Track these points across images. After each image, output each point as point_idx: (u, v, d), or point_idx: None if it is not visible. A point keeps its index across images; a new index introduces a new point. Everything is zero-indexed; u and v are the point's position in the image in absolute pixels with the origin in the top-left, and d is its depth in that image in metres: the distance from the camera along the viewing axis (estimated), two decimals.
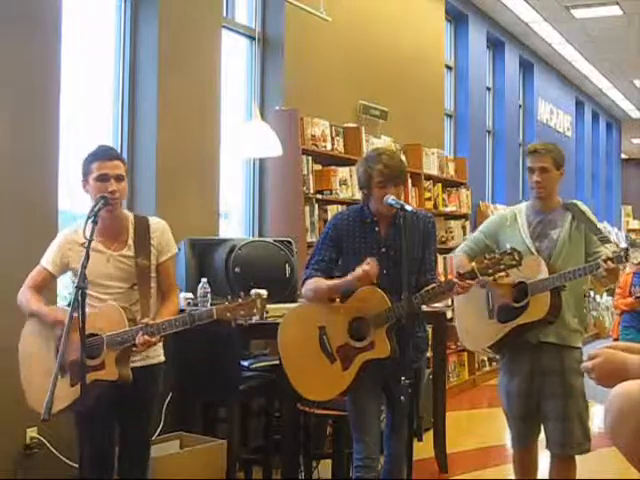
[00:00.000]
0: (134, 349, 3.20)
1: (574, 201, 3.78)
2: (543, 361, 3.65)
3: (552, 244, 3.66)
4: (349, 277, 3.39)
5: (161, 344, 3.39)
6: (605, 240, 3.62)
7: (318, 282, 3.51)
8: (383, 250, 3.51)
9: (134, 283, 3.33)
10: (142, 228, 3.39)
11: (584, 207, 3.74)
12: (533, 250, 3.65)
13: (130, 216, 3.43)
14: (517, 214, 3.78)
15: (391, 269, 3.47)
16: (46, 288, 3.45)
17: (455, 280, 3.34)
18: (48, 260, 3.39)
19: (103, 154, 3.31)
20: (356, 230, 3.55)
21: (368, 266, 3.32)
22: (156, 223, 3.45)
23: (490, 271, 3.32)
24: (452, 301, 4.27)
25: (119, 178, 3.28)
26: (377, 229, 3.54)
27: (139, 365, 3.32)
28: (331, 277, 3.55)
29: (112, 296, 3.28)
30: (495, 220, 3.91)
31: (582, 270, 3.51)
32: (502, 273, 3.35)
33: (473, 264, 3.38)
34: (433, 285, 3.43)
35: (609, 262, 3.39)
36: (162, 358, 3.46)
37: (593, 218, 3.71)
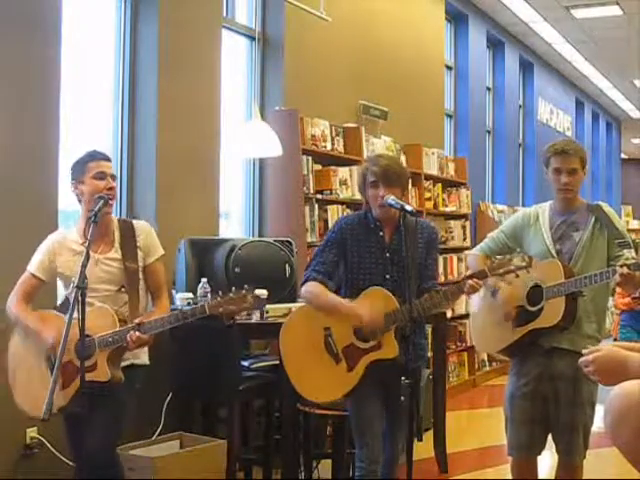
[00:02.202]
0: (128, 349, 3.21)
1: (599, 203, 3.67)
2: (554, 366, 3.53)
3: (573, 246, 3.56)
4: (351, 308, 3.40)
5: (146, 348, 3.39)
6: (625, 245, 3.49)
7: (322, 291, 3.49)
8: (387, 255, 3.50)
9: (122, 285, 3.34)
10: (127, 231, 3.41)
11: (608, 209, 3.62)
12: (553, 252, 3.56)
13: (114, 219, 3.45)
14: (540, 214, 3.67)
15: (395, 274, 3.47)
16: (36, 296, 3.42)
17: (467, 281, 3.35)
18: (36, 266, 3.36)
19: (99, 155, 3.39)
20: (361, 234, 3.53)
21: (369, 319, 3.34)
22: (140, 225, 3.49)
23: (500, 271, 3.32)
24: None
25: (113, 178, 3.37)
26: (382, 234, 3.53)
27: (122, 365, 3.30)
28: (331, 279, 3.54)
29: (100, 299, 3.28)
30: (518, 219, 3.78)
31: (598, 276, 3.39)
32: (512, 274, 3.33)
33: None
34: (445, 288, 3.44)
35: (625, 269, 3.27)
36: (146, 361, 3.46)
37: (616, 220, 3.59)
